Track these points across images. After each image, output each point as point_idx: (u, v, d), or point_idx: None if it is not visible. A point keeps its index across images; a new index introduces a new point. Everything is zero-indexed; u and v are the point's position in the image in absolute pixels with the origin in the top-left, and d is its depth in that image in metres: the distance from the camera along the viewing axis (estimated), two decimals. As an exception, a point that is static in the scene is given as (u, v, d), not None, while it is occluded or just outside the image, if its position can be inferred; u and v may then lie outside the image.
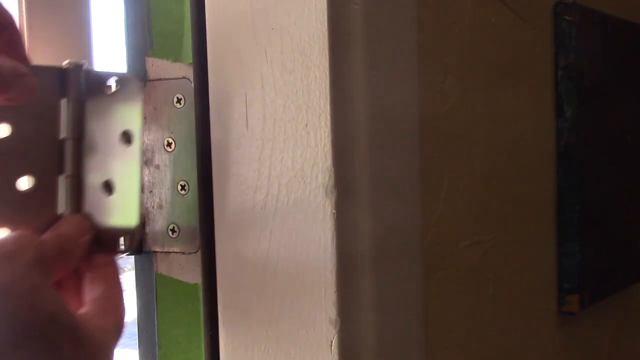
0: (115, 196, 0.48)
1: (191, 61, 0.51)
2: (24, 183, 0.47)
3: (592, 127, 0.75)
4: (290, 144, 0.46)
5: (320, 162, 0.45)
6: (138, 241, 0.49)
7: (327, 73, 0.45)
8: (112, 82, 0.48)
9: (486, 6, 0.62)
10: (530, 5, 0.69)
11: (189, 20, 0.51)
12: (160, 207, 0.53)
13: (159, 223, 0.53)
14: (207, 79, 0.49)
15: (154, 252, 0.53)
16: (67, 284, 0.47)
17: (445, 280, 0.57)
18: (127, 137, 0.48)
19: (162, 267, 0.53)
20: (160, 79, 0.53)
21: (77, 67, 0.48)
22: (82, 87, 0.48)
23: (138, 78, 0.49)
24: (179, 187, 0.52)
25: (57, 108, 0.48)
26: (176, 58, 0.52)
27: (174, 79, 0.52)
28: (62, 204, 0.48)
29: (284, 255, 0.47)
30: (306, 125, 0.46)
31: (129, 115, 0.48)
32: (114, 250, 0.48)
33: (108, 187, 0.49)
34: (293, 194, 0.46)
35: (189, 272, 0.53)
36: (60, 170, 0.48)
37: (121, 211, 0.48)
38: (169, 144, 0.52)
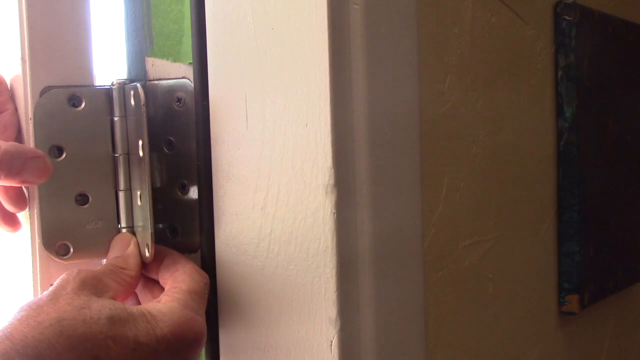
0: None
1: (191, 61, 0.51)
2: (81, 200, 0.49)
3: (592, 127, 0.75)
4: (290, 144, 0.46)
5: (320, 162, 0.45)
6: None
7: (327, 73, 0.45)
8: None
9: (486, 6, 0.62)
10: (530, 5, 0.69)
11: (189, 20, 0.51)
12: (160, 207, 0.53)
13: (159, 223, 0.53)
14: (207, 79, 0.49)
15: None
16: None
17: (445, 280, 0.57)
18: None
19: (162, 267, 0.53)
20: (160, 79, 0.53)
21: (121, 85, 0.49)
22: (130, 104, 0.50)
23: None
24: (179, 187, 0.52)
25: (108, 126, 0.50)
26: (176, 58, 0.52)
27: (174, 79, 0.52)
28: (122, 218, 0.51)
29: (284, 255, 0.47)
30: (306, 125, 0.46)
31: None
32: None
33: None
34: (293, 194, 0.46)
35: (189, 272, 0.53)
36: (116, 186, 0.50)
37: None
38: (169, 144, 0.52)
